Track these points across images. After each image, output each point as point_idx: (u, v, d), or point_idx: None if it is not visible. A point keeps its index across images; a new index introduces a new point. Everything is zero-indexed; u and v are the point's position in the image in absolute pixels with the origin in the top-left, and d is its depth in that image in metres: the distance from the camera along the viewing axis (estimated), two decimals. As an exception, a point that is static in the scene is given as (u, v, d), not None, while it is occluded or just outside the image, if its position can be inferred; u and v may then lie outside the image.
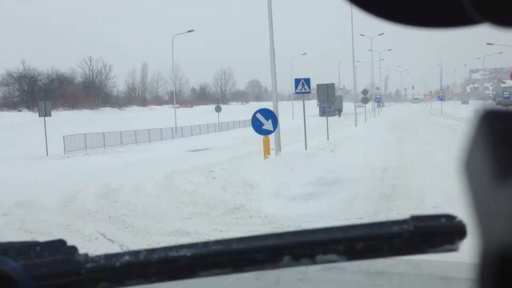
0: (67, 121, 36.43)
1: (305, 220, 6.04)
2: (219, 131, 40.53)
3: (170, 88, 70.82)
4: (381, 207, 6.70)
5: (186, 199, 7.87)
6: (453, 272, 1.50)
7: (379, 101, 52.64)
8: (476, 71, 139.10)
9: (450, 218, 0.47)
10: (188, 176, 10.26)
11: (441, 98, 55.50)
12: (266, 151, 12.50)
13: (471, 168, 0.28)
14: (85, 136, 25.58)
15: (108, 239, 5.83)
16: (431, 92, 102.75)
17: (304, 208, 6.87)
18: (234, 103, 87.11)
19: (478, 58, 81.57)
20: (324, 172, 10.05)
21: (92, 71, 56.63)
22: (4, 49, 60.34)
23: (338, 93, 55.05)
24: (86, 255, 0.51)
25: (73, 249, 0.51)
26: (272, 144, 12.71)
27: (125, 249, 3.51)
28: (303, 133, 15.36)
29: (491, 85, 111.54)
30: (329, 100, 18.65)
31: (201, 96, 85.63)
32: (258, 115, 12.54)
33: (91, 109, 50.03)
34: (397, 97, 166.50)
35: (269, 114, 12.66)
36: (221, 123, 42.02)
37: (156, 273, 0.48)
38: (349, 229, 0.46)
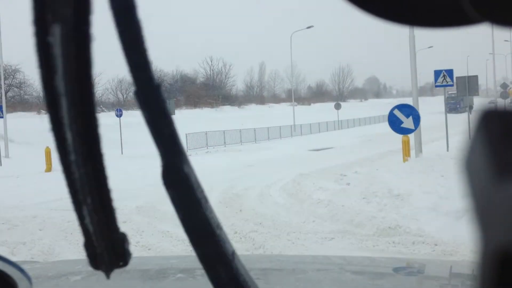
0: (190, 119, 37.42)
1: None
2: (338, 129, 38.96)
3: (287, 86, 70.70)
4: None
5: (322, 211, 6.64)
6: (453, 270, 1.50)
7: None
8: None
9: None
10: (318, 180, 9.04)
11: None
12: (406, 153, 10.84)
13: (471, 168, 0.28)
14: (206, 134, 25.77)
15: (236, 264, 4.77)
16: None
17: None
18: (352, 100, 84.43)
19: None
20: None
21: (213, 70, 58.54)
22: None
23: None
24: None
25: None
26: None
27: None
28: (437, 131, 13.34)
29: None
30: (472, 94, 16.24)
31: (318, 94, 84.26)
32: (396, 112, 10.89)
33: (212, 107, 51.40)
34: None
35: (410, 111, 10.95)
36: (341, 121, 40.40)
37: None
38: None
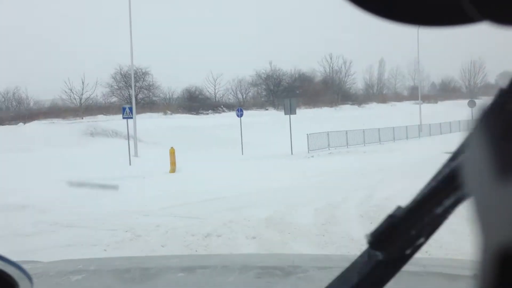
0: (309, 119, 36.44)
1: None
2: (473, 129, 35.08)
3: (409, 84, 66.49)
4: None
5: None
6: (454, 270, 1.50)
7: None
8: None
9: None
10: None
11: None
12: None
13: (471, 167, 0.28)
14: (328, 134, 24.57)
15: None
16: None
17: None
18: (484, 97, 76.74)
19: None
20: None
21: (332, 68, 57.00)
22: (254, 51, 65.80)
23: None
24: None
25: None
26: None
27: None
28: None
29: None
30: None
31: (444, 91, 78.08)
32: None
33: (331, 106, 49.97)
34: None
35: None
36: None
37: None
38: None
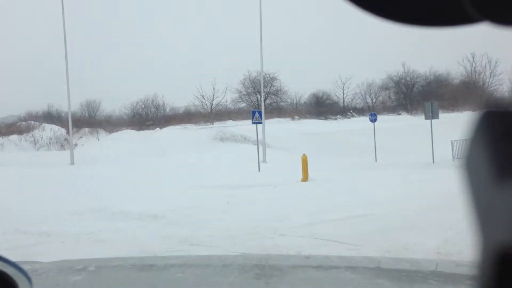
0: (447, 124, 33.05)
1: None
2: None
3: None
4: None
5: None
6: (453, 270, 1.51)
7: None
8: None
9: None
10: None
11: None
12: None
13: (471, 168, 0.28)
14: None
15: None
16: None
17: None
18: None
19: None
20: None
21: (474, 68, 51.69)
22: (384, 52, 62.62)
23: None
24: None
25: None
26: None
27: None
28: None
29: None
30: None
31: None
32: None
33: (473, 110, 45.27)
34: None
35: None
36: None
37: None
38: None
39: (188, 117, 40.58)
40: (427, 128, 20.09)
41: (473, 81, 51.45)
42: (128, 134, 32.72)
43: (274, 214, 7.81)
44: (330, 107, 45.71)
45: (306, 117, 40.86)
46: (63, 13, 21.74)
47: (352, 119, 41.07)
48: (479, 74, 52.17)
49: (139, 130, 35.60)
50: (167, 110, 46.57)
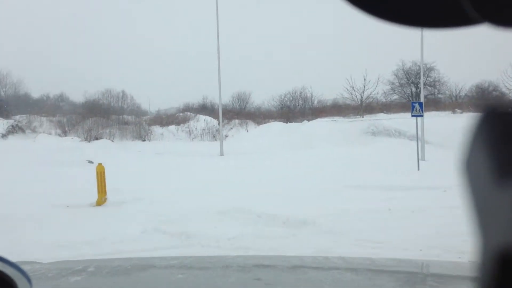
0: None
1: None
2: None
3: None
4: None
5: None
6: (454, 272, 1.51)
7: None
8: None
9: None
10: None
11: None
12: None
13: (471, 168, 0.28)
14: None
15: None
16: None
17: None
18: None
19: None
20: None
21: None
22: None
23: None
24: None
25: None
26: None
27: None
28: None
29: None
30: None
31: None
32: None
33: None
34: None
35: None
36: None
37: None
38: None
39: (336, 109, 39.18)
40: None
41: None
42: (276, 126, 32.55)
43: (450, 229, 6.18)
44: (498, 100, 40.27)
45: (469, 110, 36.51)
46: (217, 12, 22.02)
47: None
48: None
49: (286, 122, 35.31)
50: (315, 102, 45.77)
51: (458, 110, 36.24)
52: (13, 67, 70.24)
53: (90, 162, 17.50)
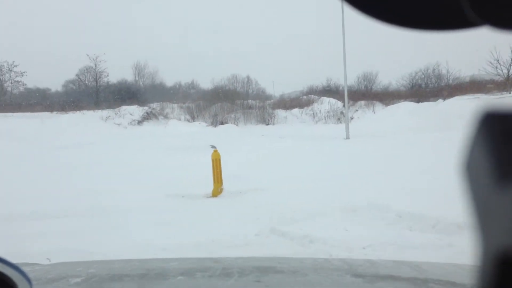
0: None
1: None
2: None
3: None
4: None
5: None
6: (454, 273, 1.52)
7: None
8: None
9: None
10: None
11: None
12: None
13: (471, 169, 0.28)
14: None
15: None
16: None
17: None
18: None
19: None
20: None
21: None
22: None
23: None
24: None
25: None
26: None
27: None
28: None
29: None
30: None
31: None
32: None
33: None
34: None
35: None
36: None
37: None
38: None
39: (476, 86, 34.96)
40: None
41: None
42: (405, 107, 30.00)
43: None
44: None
45: None
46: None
47: None
48: None
49: (418, 102, 32.43)
50: (450, 80, 41.60)
51: None
52: (150, 58, 75.38)
53: (213, 147, 17.38)
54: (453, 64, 57.31)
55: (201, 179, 8.58)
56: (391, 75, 65.48)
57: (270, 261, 1.87)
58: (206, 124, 32.44)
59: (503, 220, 0.24)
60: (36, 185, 9.36)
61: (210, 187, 7.71)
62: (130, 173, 10.72)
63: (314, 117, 34.82)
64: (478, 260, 0.26)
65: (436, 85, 41.22)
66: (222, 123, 32.21)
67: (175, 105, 38.62)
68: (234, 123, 32.36)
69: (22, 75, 47.19)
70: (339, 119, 33.62)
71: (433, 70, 42.38)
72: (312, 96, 39.34)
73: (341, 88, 36.73)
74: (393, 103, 33.64)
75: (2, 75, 46.61)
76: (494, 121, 0.27)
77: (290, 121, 34.17)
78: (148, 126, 32.13)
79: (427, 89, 39.80)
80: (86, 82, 51.31)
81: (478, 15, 0.31)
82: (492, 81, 36.07)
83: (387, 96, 37.23)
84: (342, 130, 22.17)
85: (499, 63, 36.93)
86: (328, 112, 35.02)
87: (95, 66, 49.48)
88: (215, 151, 7.84)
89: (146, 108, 35.47)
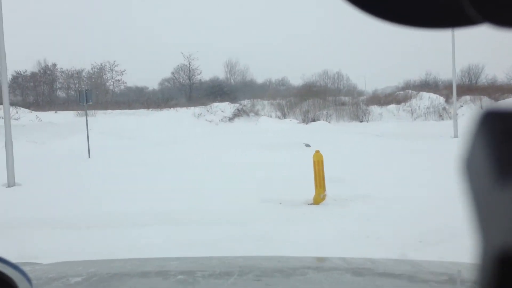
0: None
1: None
2: None
3: None
4: None
5: None
6: (454, 271, 1.51)
7: None
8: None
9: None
10: None
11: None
12: None
13: (471, 168, 0.28)
14: None
15: None
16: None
17: None
18: None
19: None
20: None
21: None
22: None
23: None
24: None
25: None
26: None
27: None
28: None
29: None
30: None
31: None
32: None
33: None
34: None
35: None
36: None
37: None
38: None
39: None
40: None
41: None
42: (520, 101, 26.95)
43: None
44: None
45: None
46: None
47: None
48: None
49: (534, 96, 29.07)
50: None
51: None
52: (241, 56, 76.25)
53: (307, 145, 16.44)
54: None
55: (298, 182, 7.71)
56: (496, 69, 60.16)
57: (270, 260, 1.84)
58: (298, 121, 31.61)
59: (503, 219, 0.24)
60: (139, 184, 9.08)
61: (308, 191, 6.81)
62: (222, 172, 10.16)
63: (412, 113, 32.66)
64: (478, 258, 0.26)
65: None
66: (313, 120, 31.21)
67: (265, 102, 38.30)
68: (326, 120, 31.21)
69: (122, 74, 49.68)
70: (440, 115, 31.18)
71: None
72: (410, 91, 36.96)
73: (440, 83, 34.10)
74: (503, 98, 30.55)
75: (104, 74, 49.40)
76: (495, 120, 0.27)
77: (386, 118, 32.33)
78: (239, 122, 32.03)
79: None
80: (180, 80, 52.85)
81: (478, 13, 0.31)
82: None
83: (496, 90, 33.90)
84: (445, 127, 20.23)
85: None
86: (428, 108, 32.65)
87: (189, 64, 50.76)
88: (317, 152, 6.91)
89: (237, 105, 35.47)
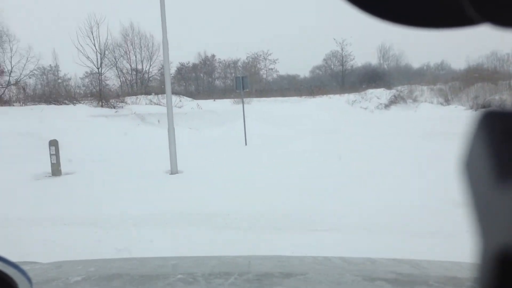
0: None
1: None
2: None
3: None
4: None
5: None
6: (454, 272, 1.49)
7: None
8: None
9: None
10: None
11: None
12: None
13: (471, 169, 0.28)
14: None
15: None
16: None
17: None
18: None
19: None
20: None
21: None
22: None
23: None
24: None
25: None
26: None
27: None
28: None
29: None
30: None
31: None
32: None
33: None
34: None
35: None
36: None
37: None
38: None
39: None
40: None
41: None
42: None
43: None
44: None
45: None
46: None
47: None
48: None
49: None
50: None
51: None
52: (395, 41, 72.33)
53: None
54: None
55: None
56: None
57: (270, 260, 1.79)
58: (464, 107, 28.40)
59: (503, 219, 0.24)
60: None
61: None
62: (396, 163, 9.09)
63: None
64: (478, 258, 0.26)
65: None
66: (484, 107, 27.70)
67: (424, 87, 35.39)
68: (500, 107, 27.50)
69: (275, 63, 50.49)
70: None
71: None
72: None
73: None
74: None
75: (258, 63, 50.78)
76: (495, 120, 0.27)
77: None
78: (396, 110, 29.99)
79: None
80: (332, 66, 51.85)
81: (478, 13, 0.31)
82: None
83: None
84: None
85: None
86: None
87: (341, 50, 49.46)
88: None
89: (393, 91, 33.36)
